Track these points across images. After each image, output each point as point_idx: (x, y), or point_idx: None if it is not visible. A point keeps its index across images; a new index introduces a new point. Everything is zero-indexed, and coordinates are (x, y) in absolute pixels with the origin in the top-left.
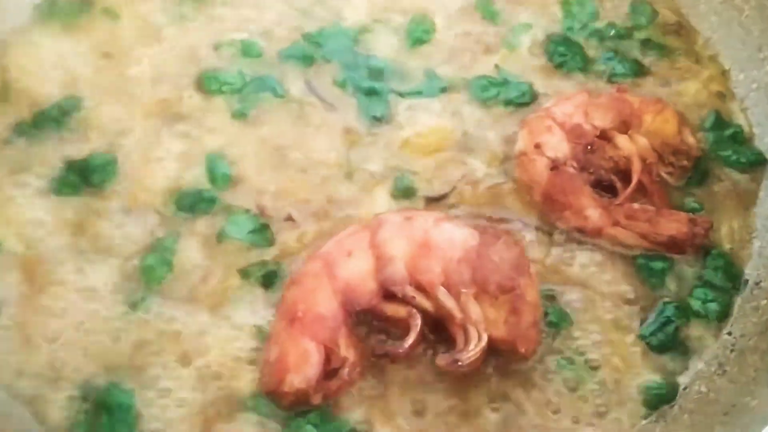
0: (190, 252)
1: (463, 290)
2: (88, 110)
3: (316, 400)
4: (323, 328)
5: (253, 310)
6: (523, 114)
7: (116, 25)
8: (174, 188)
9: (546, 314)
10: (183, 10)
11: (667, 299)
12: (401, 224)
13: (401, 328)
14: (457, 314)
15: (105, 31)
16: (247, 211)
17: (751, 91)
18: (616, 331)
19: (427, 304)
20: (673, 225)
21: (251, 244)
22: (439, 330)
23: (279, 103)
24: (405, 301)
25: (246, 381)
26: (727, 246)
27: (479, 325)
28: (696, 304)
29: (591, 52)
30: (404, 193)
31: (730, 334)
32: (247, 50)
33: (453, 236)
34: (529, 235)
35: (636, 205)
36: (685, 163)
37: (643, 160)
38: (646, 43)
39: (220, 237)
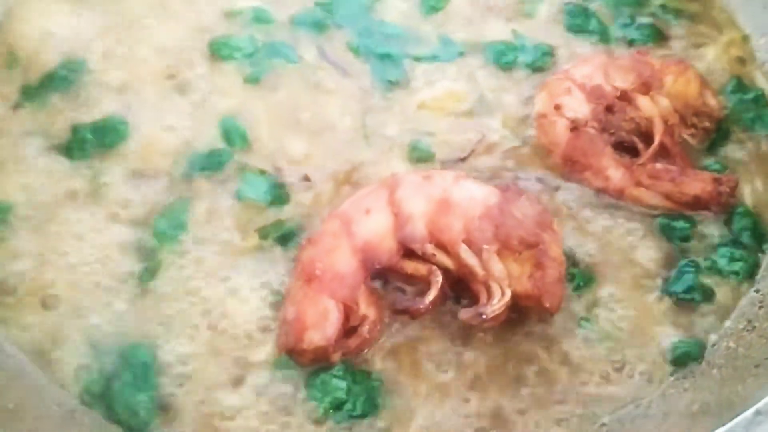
0: (205, 213)
1: (485, 247)
2: (95, 74)
3: (336, 357)
4: (342, 286)
5: (271, 270)
6: (541, 78)
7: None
8: (187, 150)
9: (569, 273)
10: None
11: (691, 258)
12: (420, 182)
13: (421, 285)
14: (479, 271)
15: (112, 1)
16: (263, 171)
17: None
18: (639, 290)
19: (447, 262)
20: (697, 184)
21: (267, 204)
22: (460, 287)
23: (292, 68)
24: (425, 259)
25: (265, 341)
26: (751, 205)
27: (502, 282)
28: (722, 263)
29: (608, 19)
30: (421, 155)
31: (757, 291)
32: (259, 17)
33: (473, 193)
34: (549, 196)
35: (659, 166)
36: (707, 124)
37: (665, 121)
38: (663, 9)
39: (237, 197)
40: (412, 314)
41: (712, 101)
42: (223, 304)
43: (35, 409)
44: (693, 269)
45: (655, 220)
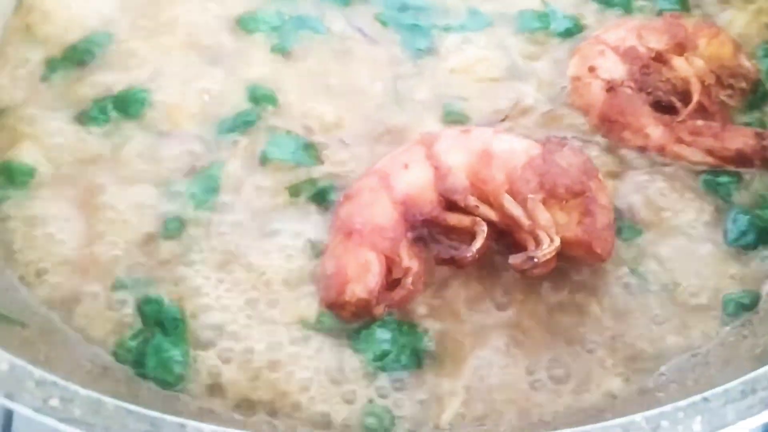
0: (234, 175)
1: (530, 196)
2: (119, 45)
3: (379, 311)
4: (383, 238)
5: (306, 227)
6: (572, 45)
7: None
8: (214, 113)
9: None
10: None
11: (738, 211)
12: (458, 136)
13: (465, 238)
14: (525, 221)
15: None
16: (289, 132)
17: None
18: (689, 241)
19: (491, 214)
20: (740, 138)
21: (297, 164)
22: (504, 240)
23: (320, 39)
24: (468, 211)
25: (305, 298)
26: None
27: (550, 230)
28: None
29: None
30: (455, 118)
31: None
32: None
33: (514, 145)
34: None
35: (700, 122)
36: (743, 85)
37: (701, 81)
38: None
39: (263, 159)
40: (459, 264)
41: (746, 63)
42: (261, 263)
43: (67, 363)
44: (742, 221)
45: (698, 177)
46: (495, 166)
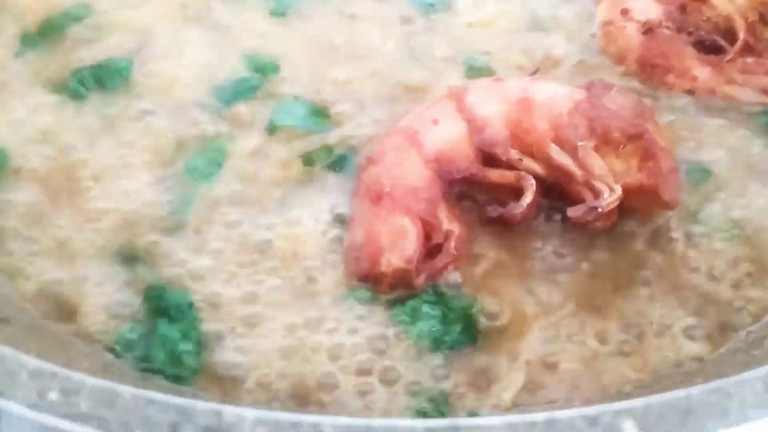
0: (239, 146)
1: (580, 144)
2: (100, 16)
3: (420, 281)
4: (417, 200)
5: (325, 197)
6: None
7: None
8: (210, 82)
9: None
10: None
11: None
12: (491, 86)
13: (508, 196)
14: (576, 171)
15: None
16: (297, 97)
17: None
18: (759, 183)
19: (536, 167)
20: None
21: (309, 130)
22: (554, 195)
23: (319, 1)
24: (510, 166)
25: (335, 271)
26: None
27: (607, 178)
28: None
29: None
30: (479, 73)
31: None
32: None
33: (556, 91)
34: None
35: (750, 59)
36: None
37: (745, 19)
38: None
39: (271, 127)
40: (508, 222)
41: None
42: (279, 239)
43: (62, 361)
44: None
45: (754, 118)
46: (537, 114)
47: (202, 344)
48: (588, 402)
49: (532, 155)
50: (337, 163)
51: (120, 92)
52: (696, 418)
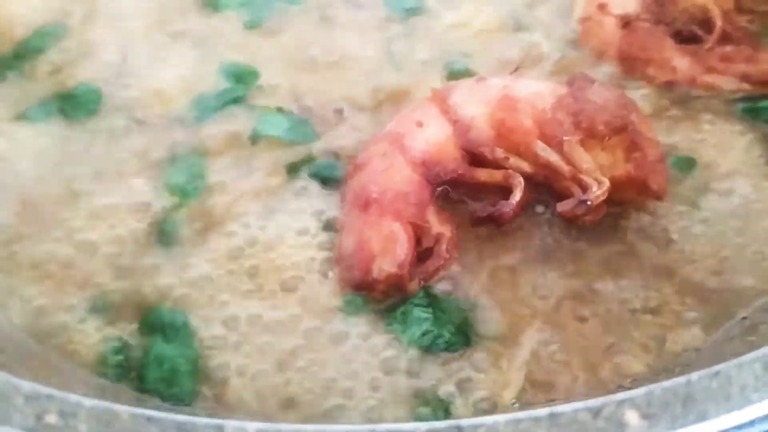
0: (222, 158)
1: (566, 138)
2: (77, 36)
3: (413, 286)
4: (406, 204)
5: (312, 206)
6: None
7: None
8: (191, 95)
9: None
10: None
11: None
12: (473, 86)
13: (496, 195)
14: (563, 166)
15: None
16: (280, 109)
17: None
18: (747, 172)
19: (523, 165)
20: None
21: (291, 141)
22: (542, 192)
23: (295, 10)
24: (497, 165)
25: (326, 282)
26: None
27: (594, 172)
28: None
29: None
30: (461, 73)
31: None
32: None
33: (538, 88)
34: None
35: (728, 48)
36: (764, 7)
37: (720, 7)
38: None
39: (254, 137)
40: (498, 221)
41: None
42: (269, 249)
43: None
44: None
45: (734, 105)
46: (521, 112)
47: (198, 364)
48: (590, 398)
49: (518, 153)
50: (320, 172)
51: (97, 112)
52: (698, 403)
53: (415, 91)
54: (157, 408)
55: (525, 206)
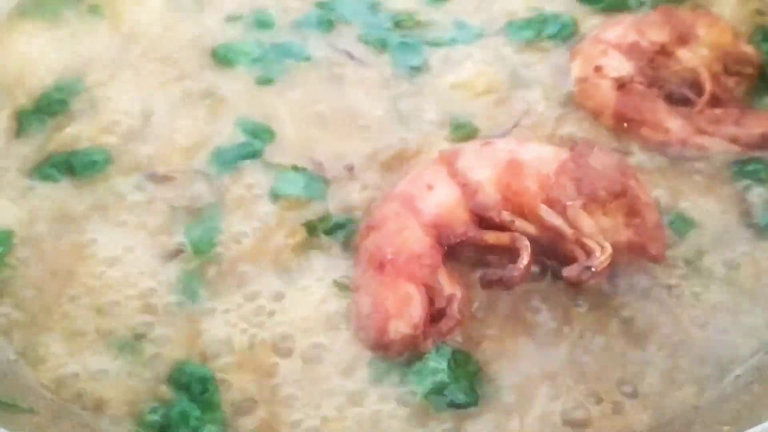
0: (240, 215)
1: (569, 203)
2: (94, 91)
3: (426, 346)
4: (420, 266)
5: (330, 265)
6: (569, 47)
7: (102, 21)
8: (208, 149)
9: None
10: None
11: None
12: (480, 150)
13: (504, 256)
14: (567, 230)
15: (91, 24)
16: (295, 167)
17: None
18: (745, 232)
19: (529, 228)
20: (762, 122)
21: (308, 199)
22: (546, 256)
23: (305, 67)
24: (504, 227)
25: (346, 344)
26: None
27: (597, 236)
28: None
29: None
30: (465, 133)
31: None
32: (260, 21)
33: (542, 152)
34: None
35: (718, 111)
36: (750, 70)
37: (709, 70)
38: None
39: (273, 196)
40: (507, 284)
41: (747, 48)
42: (291, 310)
43: None
44: None
45: (726, 170)
46: (526, 176)
47: (225, 421)
48: None
49: (523, 216)
50: (336, 229)
51: (109, 171)
52: None
53: (422, 149)
54: None
55: (530, 270)
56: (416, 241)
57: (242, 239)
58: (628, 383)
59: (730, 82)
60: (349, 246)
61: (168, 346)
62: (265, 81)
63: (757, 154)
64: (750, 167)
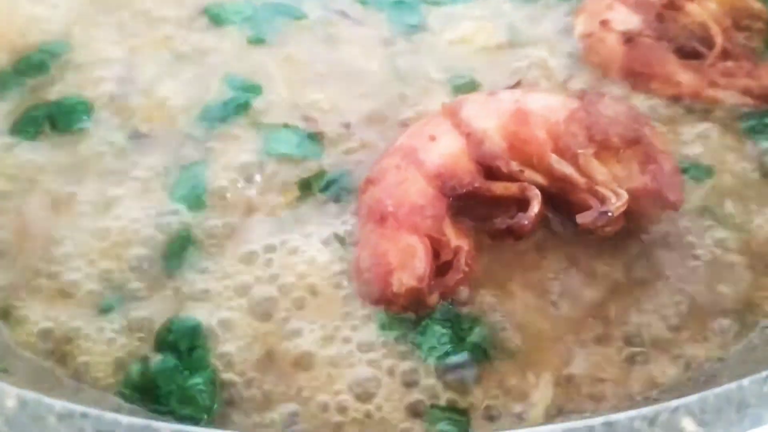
0: (231, 174)
1: (580, 151)
2: (80, 51)
3: (433, 299)
4: (423, 217)
5: (326, 222)
6: (571, 4)
7: None
8: (196, 107)
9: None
10: None
11: None
12: (485, 100)
13: (511, 209)
14: (579, 179)
15: None
16: (286, 125)
17: None
18: (758, 181)
19: (538, 178)
20: None
21: (303, 157)
22: (556, 206)
23: (299, 25)
24: (512, 178)
25: (347, 299)
26: None
27: (610, 184)
28: None
29: None
30: (467, 89)
31: None
32: None
33: (550, 100)
34: None
35: (729, 63)
36: (759, 25)
37: (719, 24)
38: None
39: (266, 153)
40: (517, 233)
41: (756, 3)
42: (289, 268)
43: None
44: None
45: (738, 123)
46: (534, 125)
47: (215, 381)
48: (618, 410)
49: (532, 166)
50: (332, 186)
51: (94, 126)
52: (752, 409)
53: (423, 103)
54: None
55: (541, 219)
56: (418, 192)
57: (232, 197)
58: (648, 335)
59: (740, 36)
60: (347, 202)
61: (155, 307)
62: (257, 40)
63: None
64: (766, 120)
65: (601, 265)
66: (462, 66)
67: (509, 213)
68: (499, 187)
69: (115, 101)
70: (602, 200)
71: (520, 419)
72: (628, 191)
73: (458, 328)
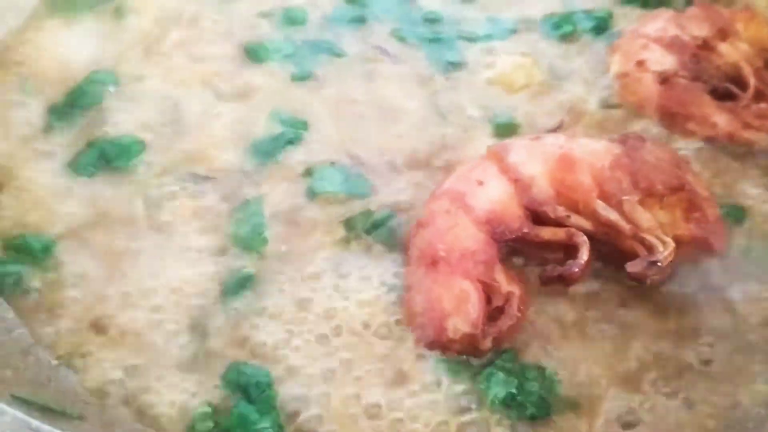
0: (281, 213)
1: (625, 198)
2: (126, 87)
3: (486, 345)
4: (474, 263)
5: (373, 263)
6: (605, 42)
7: (132, 15)
8: (245, 144)
9: None
10: None
11: None
12: (530, 145)
13: (561, 253)
14: (624, 225)
15: (120, 18)
16: (332, 163)
17: None
18: None
19: (584, 223)
20: None
21: (348, 196)
22: (601, 253)
23: (339, 63)
24: (559, 223)
25: (399, 343)
26: None
27: (656, 231)
28: None
29: None
30: (507, 129)
31: None
32: (291, 18)
33: (593, 147)
34: None
35: (764, 104)
36: None
37: (751, 65)
38: None
39: (312, 192)
40: (567, 280)
41: None
42: (343, 310)
43: None
44: None
45: None
46: (579, 170)
47: (282, 426)
48: None
49: (578, 212)
50: (377, 227)
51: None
52: None
53: (465, 143)
54: None
55: (590, 266)
56: (469, 237)
57: (284, 240)
58: (696, 381)
59: None
60: (395, 244)
61: (218, 348)
62: (300, 78)
63: None
64: None
65: (647, 314)
66: (501, 105)
67: (555, 256)
68: (547, 233)
69: (163, 140)
70: (649, 248)
71: None
72: (674, 238)
73: (522, 376)
